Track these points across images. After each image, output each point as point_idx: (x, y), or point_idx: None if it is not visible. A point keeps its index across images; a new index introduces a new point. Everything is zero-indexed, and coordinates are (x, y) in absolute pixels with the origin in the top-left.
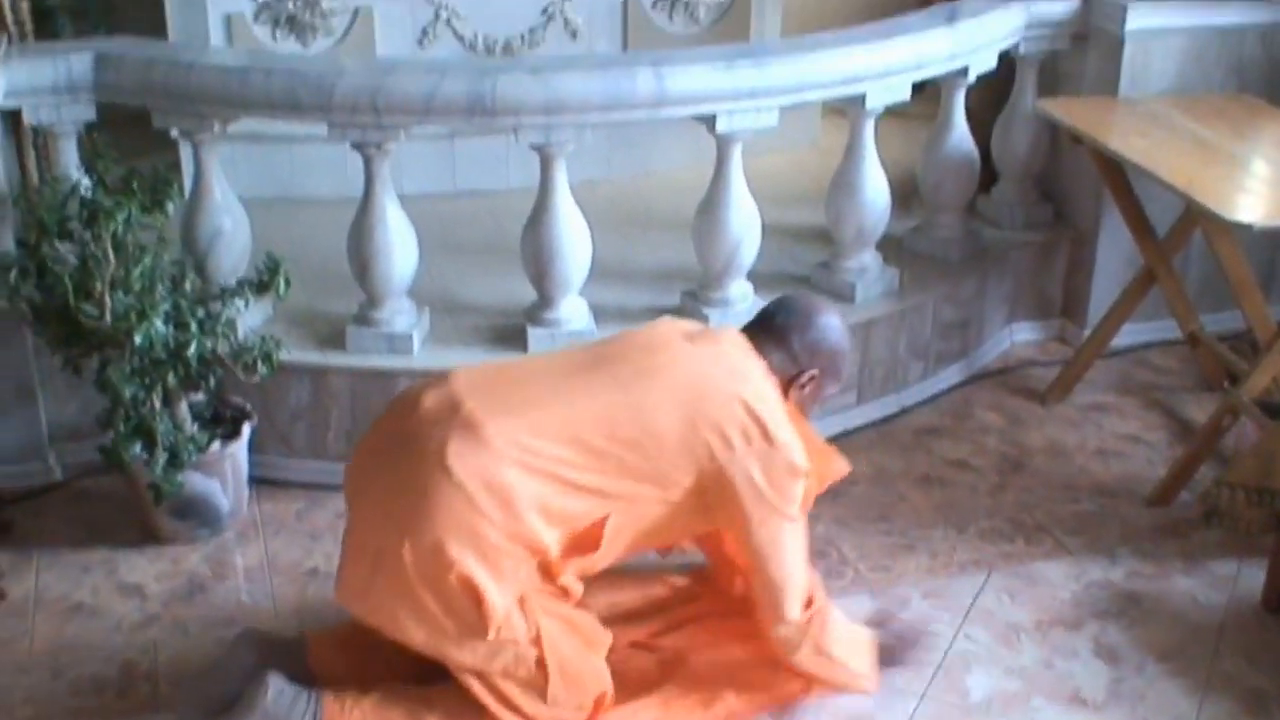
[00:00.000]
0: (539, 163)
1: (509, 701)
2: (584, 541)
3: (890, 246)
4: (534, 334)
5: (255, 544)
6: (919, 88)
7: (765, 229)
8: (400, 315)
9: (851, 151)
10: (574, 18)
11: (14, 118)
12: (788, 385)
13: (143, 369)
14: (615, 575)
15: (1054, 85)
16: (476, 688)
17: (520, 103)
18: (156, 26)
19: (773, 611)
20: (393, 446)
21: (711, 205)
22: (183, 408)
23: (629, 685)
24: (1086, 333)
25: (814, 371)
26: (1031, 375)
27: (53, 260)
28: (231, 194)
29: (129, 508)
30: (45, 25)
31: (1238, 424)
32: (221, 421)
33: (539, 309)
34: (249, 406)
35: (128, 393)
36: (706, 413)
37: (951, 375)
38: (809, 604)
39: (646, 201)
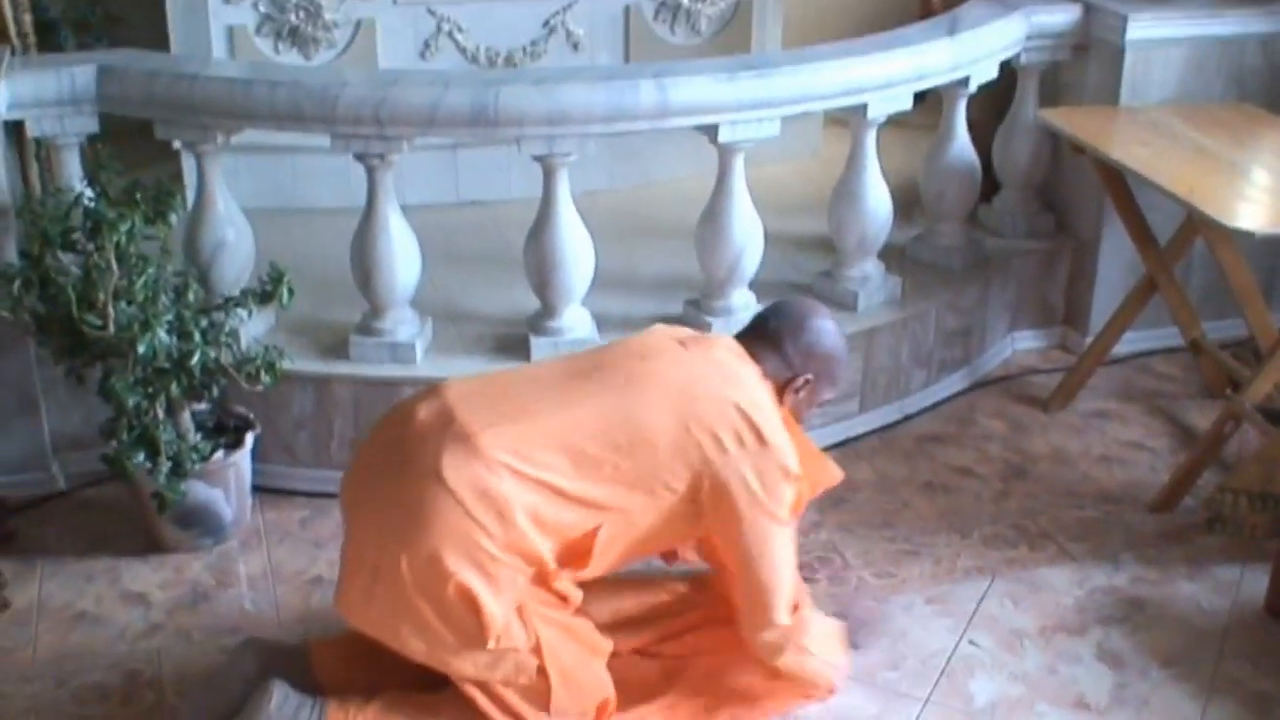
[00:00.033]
0: (541, 173)
1: (512, 710)
2: (576, 551)
3: (892, 255)
4: (537, 343)
5: (259, 553)
6: (920, 97)
7: (767, 238)
8: (403, 325)
9: (853, 161)
10: (576, 29)
11: (17, 129)
12: (782, 390)
13: (146, 379)
14: (618, 582)
15: (1055, 95)
16: (479, 698)
17: (523, 113)
18: (159, 39)
19: (760, 616)
20: (388, 458)
21: (714, 214)
22: (186, 417)
23: (632, 692)
24: (1088, 340)
25: (808, 376)
26: (1034, 383)
27: (56, 271)
28: (234, 204)
29: (132, 517)
30: (48, 37)
31: (1240, 430)
32: (225, 431)
33: (542, 318)
34: (252, 416)
35: (131, 402)
36: (700, 416)
37: (954, 383)
38: (794, 609)
39: (649, 211)
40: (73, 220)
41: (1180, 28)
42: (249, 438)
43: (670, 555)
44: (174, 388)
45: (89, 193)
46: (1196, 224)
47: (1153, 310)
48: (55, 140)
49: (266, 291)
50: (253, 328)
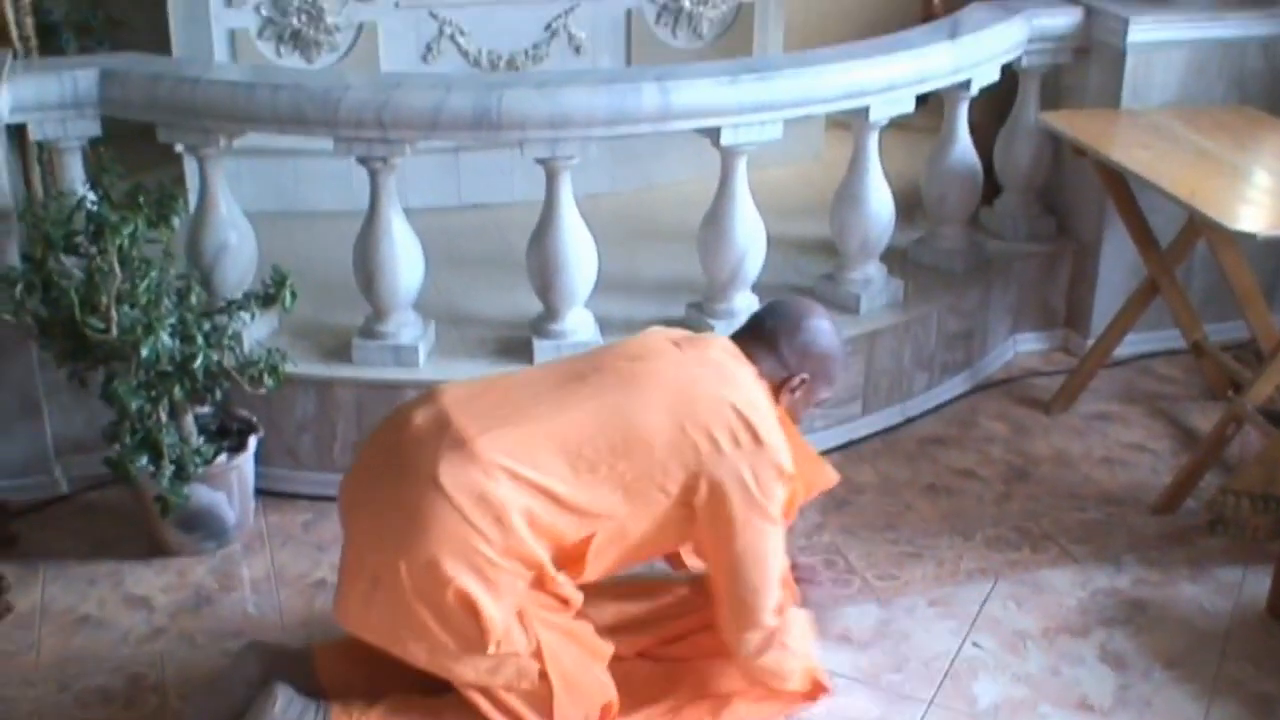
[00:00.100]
0: (544, 176)
1: (515, 714)
2: (571, 556)
3: (894, 258)
4: (540, 346)
5: (262, 556)
6: (922, 100)
7: (770, 241)
8: (406, 328)
9: (855, 164)
10: (578, 33)
11: (19, 133)
12: (778, 390)
13: (149, 382)
14: (620, 586)
15: (1056, 98)
16: (482, 702)
17: (526, 117)
18: (160, 42)
19: (747, 617)
20: (385, 464)
21: (716, 217)
22: (189, 420)
23: (637, 694)
24: (1090, 343)
25: (804, 375)
26: (1035, 385)
27: (58, 274)
28: (237, 208)
29: (135, 520)
30: (50, 41)
31: (1242, 432)
32: (228, 434)
33: (545, 321)
34: (255, 419)
35: (134, 405)
36: (696, 415)
37: (956, 385)
38: (778, 610)
39: (651, 214)
40: (75, 224)
41: (1181, 31)
42: (252, 441)
43: (674, 558)
44: (177, 391)
45: (91, 196)
46: (1198, 226)
47: (1154, 312)
48: (57, 144)
49: (269, 295)
50: (255, 331)
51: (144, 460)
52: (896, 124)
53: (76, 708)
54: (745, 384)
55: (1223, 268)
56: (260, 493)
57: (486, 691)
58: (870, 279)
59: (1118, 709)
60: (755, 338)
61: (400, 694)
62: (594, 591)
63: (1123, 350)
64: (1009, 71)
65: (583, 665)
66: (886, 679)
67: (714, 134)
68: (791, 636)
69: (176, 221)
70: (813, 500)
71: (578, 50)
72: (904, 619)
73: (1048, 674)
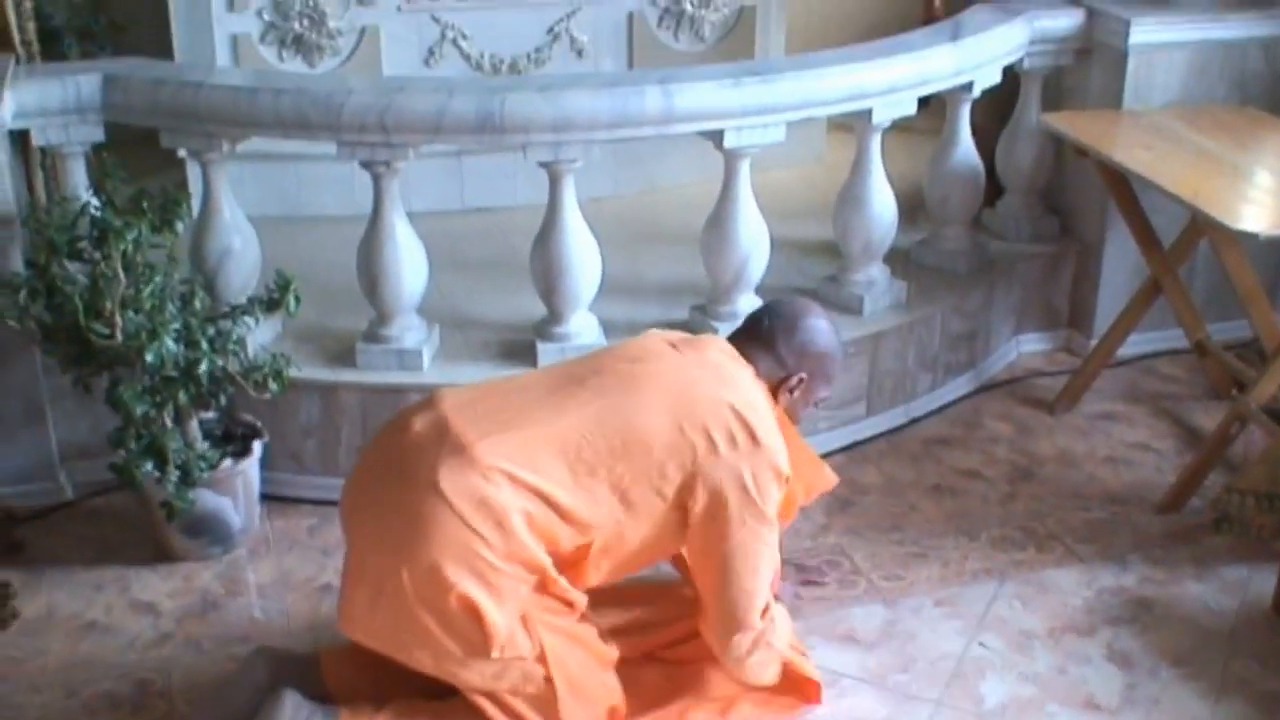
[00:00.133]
0: (547, 179)
1: (521, 719)
2: (569, 562)
3: (897, 259)
4: (543, 349)
5: (268, 561)
6: (924, 103)
7: (773, 243)
8: (410, 332)
9: (858, 166)
10: (580, 36)
11: (22, 138)
12: (776, 390)
13: (154, 387)
14: (626, 588)
15: (1058, 99)
16: (488, 707)
17: (529, 120)
18: (163, 47)
19: (737, 619)
20: (385, 470)
21: (720, 220)
22: (194, 425)
23: (644, 696)
24: (1093, 343)
25: (802, 375)
26: (1039, 385)
27: (62, 280)
28: (240, 212)
29: (141, 526)
30: (52, 46)
31: (1246, 431)
32: (233, 439)
33: (548, 324)
34: (260, 424)
35: (139, 411)
36: (694, 416)
37: (960, 386)
38: (764, 612)
39: (654, 217)
40: (79, 229)
41: (1183, 32)
42: (257, 446)
43: (679, 560)
44: (182, 396)
45: (95, 201)
46: (1201, 226)
47: (1157, 312)
48: (60, 149)
49: (273, 299)
50: (260, 336)
51: (149, 466)
52: (899, 126)
53: (84, 714)
54: (744, 385)
55: (1225, 267)
56: (265, 497)
57: (492, 696)
58: (873, 281)
59: (1125, 708)
60: (753, 338)
61: (407, 698)
62: (598, 595)
63: (1126, 350)
64: (1011, 73)
65: (588, 669)
66: (893, 679)
67: (717, 137)
68: (776, 636)
69: (180, 226)
70: (818, 501)
71: (580, 53)
72: (910, 619)
73: (1054, 673)
